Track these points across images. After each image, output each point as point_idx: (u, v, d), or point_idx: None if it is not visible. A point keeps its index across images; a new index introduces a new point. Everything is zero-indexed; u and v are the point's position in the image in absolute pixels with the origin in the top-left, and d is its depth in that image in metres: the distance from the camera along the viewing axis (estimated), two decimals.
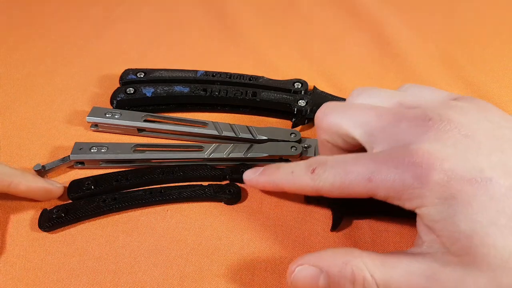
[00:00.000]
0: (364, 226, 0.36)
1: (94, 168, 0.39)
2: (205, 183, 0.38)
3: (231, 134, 0.41)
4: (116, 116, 0.42)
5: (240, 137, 0.41)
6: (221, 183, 0.38)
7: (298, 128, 0.44)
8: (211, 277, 0.33)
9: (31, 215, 0.36)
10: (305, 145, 0.41)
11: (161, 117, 0.42)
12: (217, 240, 0.35)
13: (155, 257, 0.34)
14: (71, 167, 0.40)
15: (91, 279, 0.33)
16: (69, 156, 0.39)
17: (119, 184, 0.38)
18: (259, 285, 0.33)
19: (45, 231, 0.35)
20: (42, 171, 0.38)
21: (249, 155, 0.39)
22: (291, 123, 0.44)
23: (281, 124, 0.44)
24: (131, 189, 0.38)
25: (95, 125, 0.42)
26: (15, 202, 0.37)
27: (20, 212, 0.36)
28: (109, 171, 0.39)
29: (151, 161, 0.40)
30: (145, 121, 0.42)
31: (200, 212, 0.37)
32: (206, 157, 0.39)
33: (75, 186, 0.37)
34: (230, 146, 0.40)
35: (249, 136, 0.41)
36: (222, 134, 0.41)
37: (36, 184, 0.35)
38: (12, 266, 0.33)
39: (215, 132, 0.41)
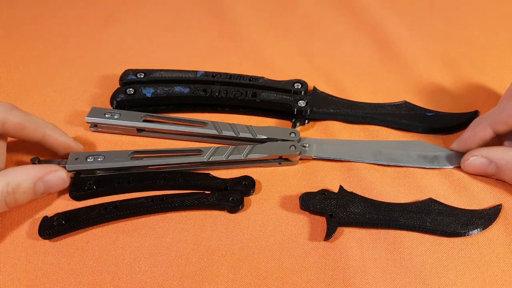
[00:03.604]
0: (354, 237, 0.36)
1: (93, 176, 0.39)
2: (208, 191, 0.37)
3: (231, 133, 0.41)
4: (116, 116, 0.42)
5: (240, 137, 0.41)
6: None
7: (298, 129, 0.44)
8: (211, 278, 0.33)
9: (30, 222, 0.36)
10: (305, 144, 0.41)
11: (160, 117, 0.42)
12: (217, 241, 0.35)
13: (155, 257, 0.34)
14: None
15: (91, 280, 0.33)
16: (65, 164, 0.38)
17: (121, 187, 0.37)
18: (259, 285, 0.33)
19: (45, 239, 0.35)
20: (35, 164, 0.38)
21: (249, 157, 0.39)
22: (291, 123, 0.44)
23: (281, 125, 0.44)
24: (132, 192, 0.38)
25: (95, 125, 0.42)
26: (16, 210, 0.37)
27: (20, 219, 0.36)
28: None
29: (149, 168, 0.39)
30: (145, 121, 0.42)
31: (200, 214, 0.37)
32: (205, 160, 0.39)
33: (77, 185, 0.37)
34: (229, 148, 0.39)
35: (248, 135, 0.41)
36: (222, 134, 0.41)
37: (62, 138, 0.38)
38: (9, 276, 0.33)
39: (214, 132, 0.41)
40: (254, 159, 0.39)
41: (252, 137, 0.41)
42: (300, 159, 0.41)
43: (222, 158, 0.39)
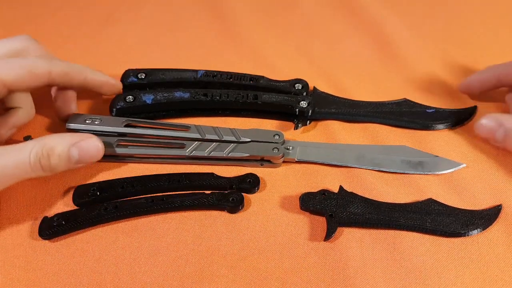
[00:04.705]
0: (354, 237, 0.36)
1: (96, 182, 0.39)
2: (208, 191, 0.38)
3: (214, 137, 0.40)
4: (96, 122, 0.40)
5: (224, 140, 0.40)
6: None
7: (300, 129, 0.43)
8: (211, 278, 0.33)
9: (31, 222, 0.36)
10: (288, 147, 0.41)
11: (142, 121, 0.42)
12: (217, 241, 0.35)
13: (155, 257, 0.34)
14: None
15: (91, 280, 0.33)
16: None
17: (125, 191, 0.37)
18: (259, 285, 0.33)
19: (45, 239, 0.35)
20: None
21: (230, 155, 0.39)
22: (293, 124, 0.44)
23: (282, 125, 0.44)
24: (137, 196, 0.37)
25: (75, 132, 0.41)
26: (16, 211, 0.37)
27: (20, 220, 0.36)
28: (112, 177, 0.39)
29: (134, 156, 0.40)
30: (126, 126, 0.41)
31: (200, 214, 0.37)
32: (187, 155, 0.39)
33: (80, 193, 0.37)
34: (212, 145, 0.39)
35: (232, 138, 0.40)
36: (205, 137, 0.41)
37: (102, 77, 0.41)
38: (8, 276, 0.33)
39: (197, 136, 0.41)
40: (235, 158, 0.39)
41: (236, 140, 0.40)
42: (284, 161, 0.41)
43: (204, 154, 0.39)
